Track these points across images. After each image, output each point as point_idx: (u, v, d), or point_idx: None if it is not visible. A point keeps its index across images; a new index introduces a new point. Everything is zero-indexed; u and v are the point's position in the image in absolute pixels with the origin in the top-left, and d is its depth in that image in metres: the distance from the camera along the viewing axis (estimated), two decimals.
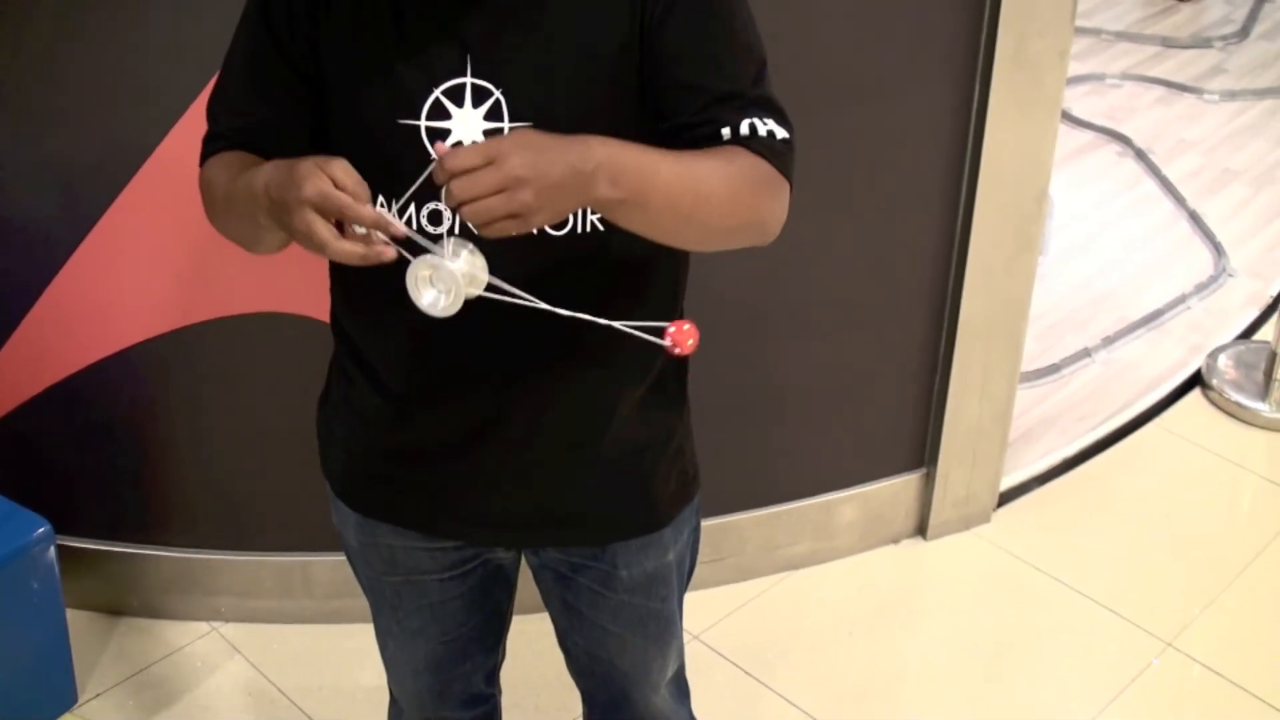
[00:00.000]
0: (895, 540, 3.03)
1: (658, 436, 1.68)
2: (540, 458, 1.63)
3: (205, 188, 1.56)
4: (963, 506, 3.03)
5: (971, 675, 2.73)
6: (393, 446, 1.66)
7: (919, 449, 2.95)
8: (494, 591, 1.82)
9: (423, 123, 1.47)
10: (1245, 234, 4.17)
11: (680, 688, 1.95)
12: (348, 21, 1.50)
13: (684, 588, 1.84)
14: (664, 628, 1.81)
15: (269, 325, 2.45)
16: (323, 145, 1.53)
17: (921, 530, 3.04)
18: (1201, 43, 5.47)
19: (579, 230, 1.51)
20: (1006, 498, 3.14)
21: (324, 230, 1.33)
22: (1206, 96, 5.02)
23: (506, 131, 1.45)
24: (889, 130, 2.57)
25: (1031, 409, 3.40)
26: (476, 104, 1.46)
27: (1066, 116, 4.64)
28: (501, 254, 1.39)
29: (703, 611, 2.76)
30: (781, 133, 1.48)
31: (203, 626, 2.77)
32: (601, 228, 1.50)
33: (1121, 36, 5.48)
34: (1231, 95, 5.03)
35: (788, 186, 1.50)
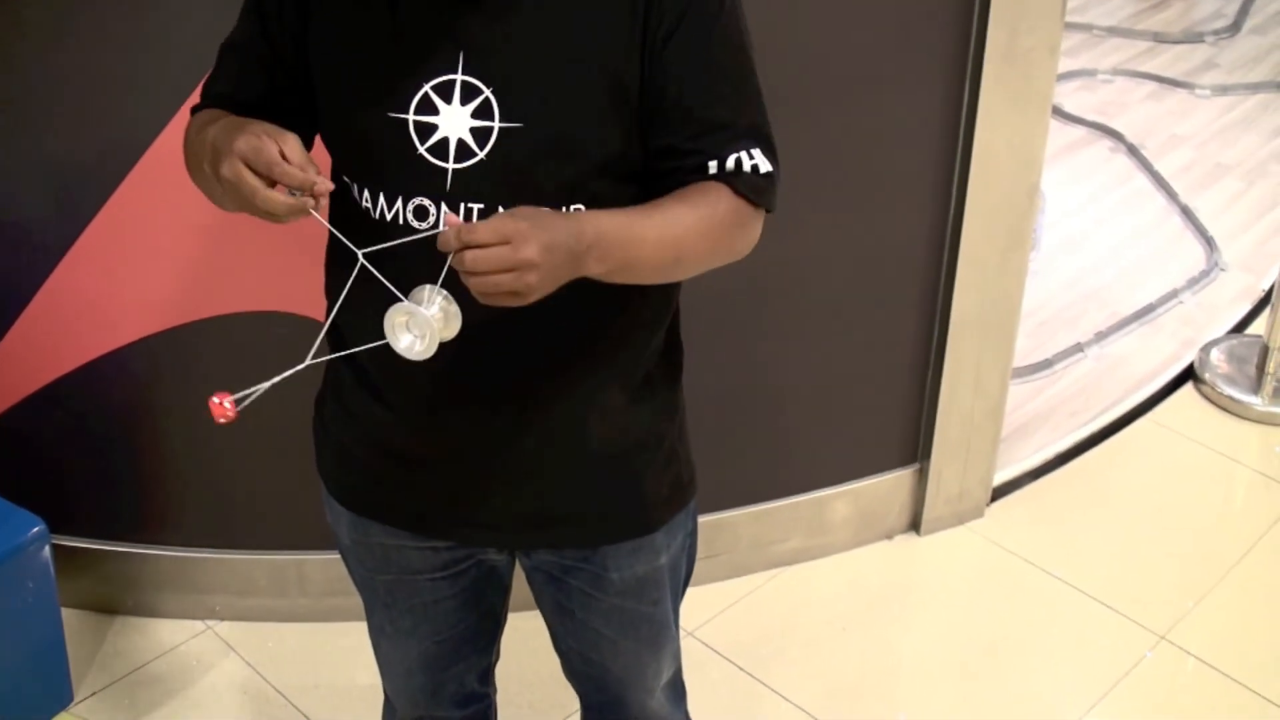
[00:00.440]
0: (889, 536, 3.04)
1: (647, 439, 1.68)
2: (529, 458, 1.63)
3: (185, 144, 1.59)
4: (956, 502, 3.04)
5: (965, 670, 2.73)
6: (385, 447, 1.67)
7: (912, 445, 2.96)
8: (487, 593, 1.82)
9: (411, 117, 1.47)
10: (1237, 228, 4.18)
11: (677, 691, 1.95)
12: (341, 12, 1.51)
13: (680, 592, 1.84)
14: (656, 631, 1.80)
15: (263, 324, 2.45)
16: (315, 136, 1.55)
17: (915, 526, 3.04)
18: (1193, 37, 5.47)
19: None
20: (1000, 493, 3.15)
21: (250, 178, 1.38)
22: (1198, 91, 5.03)
23: (496, 131, 1.46)
24: (880, 126, 2.57)
25: (1024, 404, 3.40)
26: (465, 101, 1.46)
27: (1058, 112, 4.64)
28: None
29: (696, 608, 2.76)
30: (766, 166, 1.52)
31: (198, 625, 2.77)
32: None
33: (1113, 32, 5.48)
34: (1223, 90, 5.04)
35: (763, 215, 1.56)
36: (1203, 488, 3.25)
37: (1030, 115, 2.65)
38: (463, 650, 1.85)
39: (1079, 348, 3.63)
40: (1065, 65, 4.96)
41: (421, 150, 1.47)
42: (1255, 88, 5.07)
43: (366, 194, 1.51)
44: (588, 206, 1.48)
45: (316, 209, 1.40)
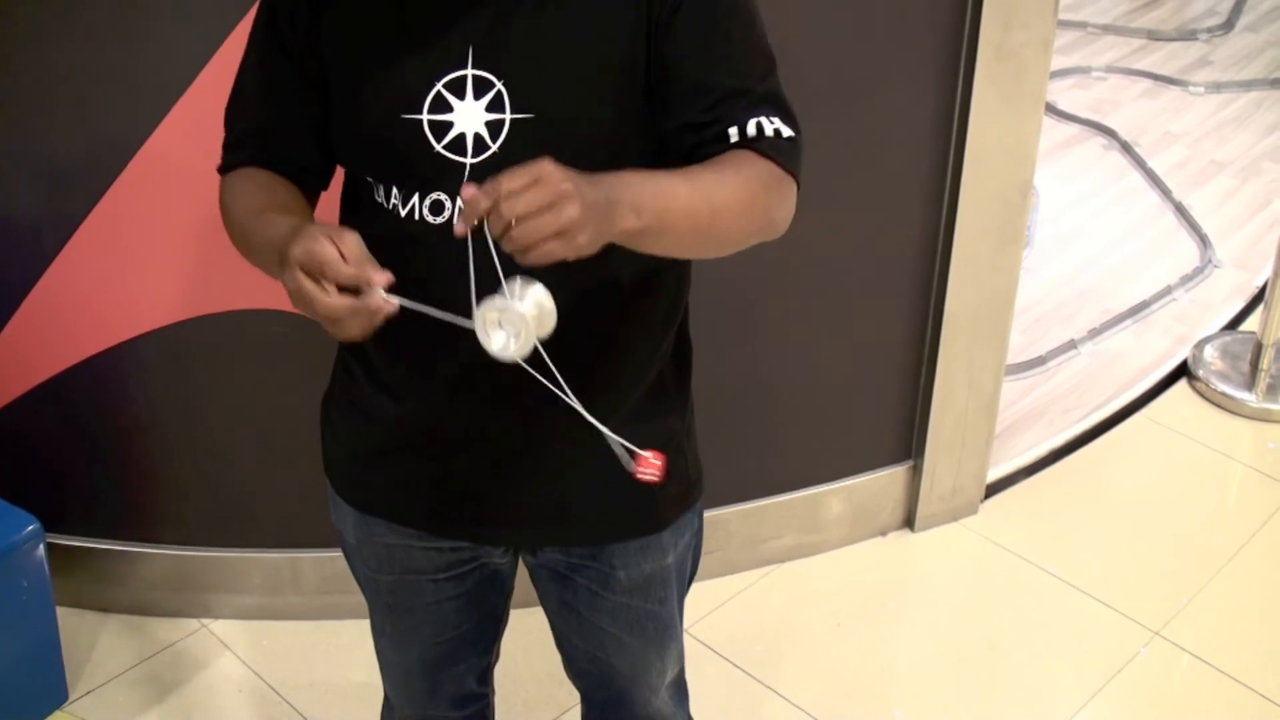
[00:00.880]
0: (883, 533, 3.04)
1: (657, 438, 1.67)
2: (538, 456, 1.63)
3: (224, 208, 1.58)
4: (950, 499, 3.04)
5: (959, 666, 2.74)
6: (393, 444, 1.66)
7: (906, 441, 2.96)
8: (489, 595, 1.81)
9: (425, 116, 1.47)
10: (1231, 225, 4.19)
11: (680, 691, 1.94)
12: (350, 17, 1.51)
13: (684, 591, 1.84)
14: (662, 630, 1.80)
15: (258, 322, 2.45)
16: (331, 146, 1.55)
17: (909, 522, 3.05)
18: (1187, 35, 5.48)
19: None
20: (993, 489, 3.15)
21: (309, 286, 1.34)
22: (1192, 89, 5.04)
23: (508, 123, 1.46)
24: (873, 123, 2.58)
25: (1018, 401, 3.41)
26: (478, 96, 1.46)
27: (1052, 110, 4.65)
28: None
29: (691, 605, 2.71)
30: (788, 130, 1.49)
31: (193, 623, 2.77)
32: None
33: (1107, 29, 5.49)
34: (1217, 87, 5.04)
35: (795, 184, 1.51)
36: (1197, 484, 3.25)
37: (1023, 112, 2.66)
38: (462, 652, 1.85)
39: (1073, 344, 3.63)
40: (1059, 62, 4.96)
41: (439, 148, 1.46)
42: (1248, 85, 5.08)
43: (381, 190, 1.52)
44: None
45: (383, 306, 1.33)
